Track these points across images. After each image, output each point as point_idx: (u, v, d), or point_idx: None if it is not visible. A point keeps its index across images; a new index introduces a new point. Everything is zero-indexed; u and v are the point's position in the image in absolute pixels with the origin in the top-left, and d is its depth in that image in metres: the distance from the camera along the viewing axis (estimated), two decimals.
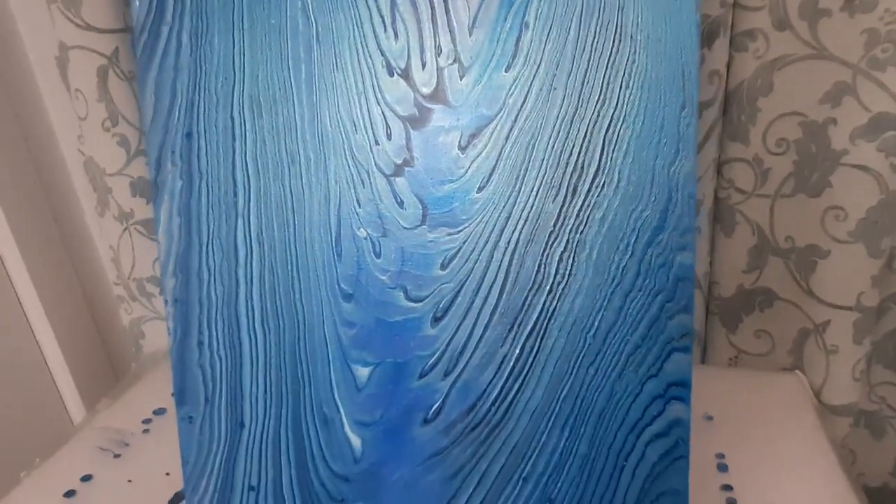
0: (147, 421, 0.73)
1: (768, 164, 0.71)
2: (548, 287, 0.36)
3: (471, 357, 0.37)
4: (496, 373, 0.37)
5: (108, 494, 0.62)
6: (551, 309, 0.36)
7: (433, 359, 0.38)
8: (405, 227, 0.37)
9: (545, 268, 0.35)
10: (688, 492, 0.36)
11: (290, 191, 0.37)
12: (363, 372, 0.39)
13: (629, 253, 0.34)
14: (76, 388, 0.94)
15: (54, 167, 0.90)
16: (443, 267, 0.37)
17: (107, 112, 0.80)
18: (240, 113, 0.37)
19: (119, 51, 0.78)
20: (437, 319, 0.37)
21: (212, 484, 0.42)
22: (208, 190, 0.38)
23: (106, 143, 0.82)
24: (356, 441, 0.40)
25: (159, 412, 0.75)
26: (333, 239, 0.37)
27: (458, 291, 0.37)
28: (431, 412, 0.38)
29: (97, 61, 0.77)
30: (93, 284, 0.96)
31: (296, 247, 0.38)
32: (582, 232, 0.35)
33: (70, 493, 0.62)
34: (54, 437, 0.72)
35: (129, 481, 0.64)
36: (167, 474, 0.64)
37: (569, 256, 0.35)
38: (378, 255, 0.37)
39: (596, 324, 0.35)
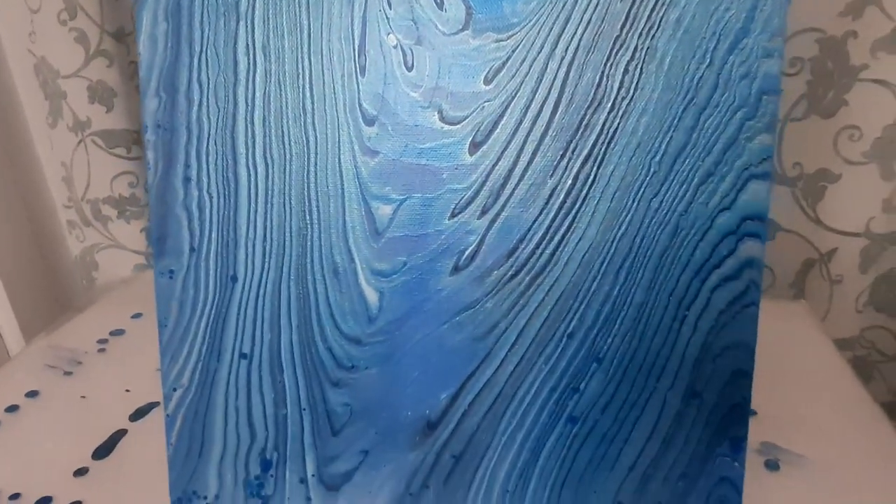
0: (103, 341, 0.65)
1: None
2: (609, 104, 0.31)
3: (514, 190, 0.32)
4: (543, 209, 0.32)
5: (57, 410, 0.54)
6: (612, 129, 0.31)
7: (469, 193, 0.32)
8: (444, 33, 0.31)
9: (608, 80, 0.31)
10: (755, 345, 0.32)
11: None
12: (385, 210, 0.33)
13: (707, 62, 0.30)
14: (17, 324, 0.85)
15: None
16: (487, 81, 0.31)
17: (63, 2, 0.71)
18: None
19: None
20: (476, 145, 0.32)
21: (195, 352, 0.36)
22: None
23: (61, 39, 0.73)
24: (372, 295, 0.34)
25: (117, 332, 0.67)
26: (356, 48, 0.32)
27: (504, 111, 0.31)
28: (464, 258, 0.33)
29: None
30: (39, 208, 0.86)
31: (309, 58, 0.32)
32: (653, 37, 0.30)
33: (12, 409, 0.54)
34: None
35: (83, 397, 0.56)
36: (127, 391, 0.57)
37: (636, 67, 0.30)
38: (410, 68, 0.32)
39: (663, 147, 0.31)
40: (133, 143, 0.79)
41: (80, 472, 0.47)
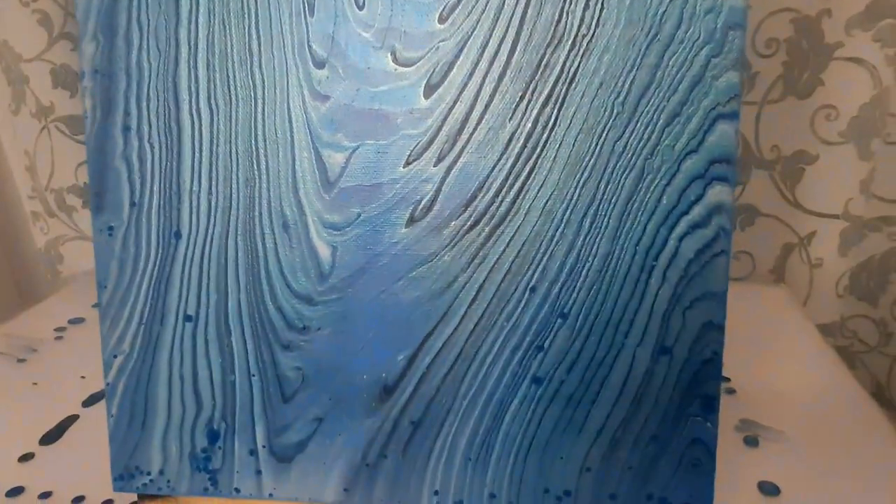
0: (61, 329, 0.63)
1: (756, 68, 0.67)
2: (570, 41, 0.29)
3: (472, 135, 0.30)
4: (503, 154, 0.30)
5: (7, 397, 0.52)
6: (573, 69, 0.29)
7: (424, 139, 0.31)
8: None
9: (568, 17, 0.29)
10: (726, 296, 0.30)
11: None
12: (336, 159, 0.31)
13: None
14: None
15: None
16: (441, 19, 0.30)
17: None
18: None
19: None
20: (431, 88, 0.30)
21: (136, 315, 0.33)
22: None
23: (24, 21, 0.71)
24: (324, 250, 0.32)
25: (76, 321, 0.64)
26: None
27: (460, 51, 0.30)
28: (420, 208, 0.31)
29: None
30: (2, 200, 0.84)
31: None
32: None
33: None
34: None
35: (35, 384, 0.54)
36: (83, 377, 0.54)
37: (597, 2, 0.29)
38: (361, 6, 0.30)
39: (626, 87, 0.29)
40: None
41: (26, 458, 0.45)
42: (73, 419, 0.49)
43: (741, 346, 0.54)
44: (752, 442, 0.45)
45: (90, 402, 0.51)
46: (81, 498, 0.41)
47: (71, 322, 0.64)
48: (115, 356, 0.34)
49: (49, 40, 0.71)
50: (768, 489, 0.41)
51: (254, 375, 0.33)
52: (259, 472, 0.34)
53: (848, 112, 0.64)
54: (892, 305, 0.74)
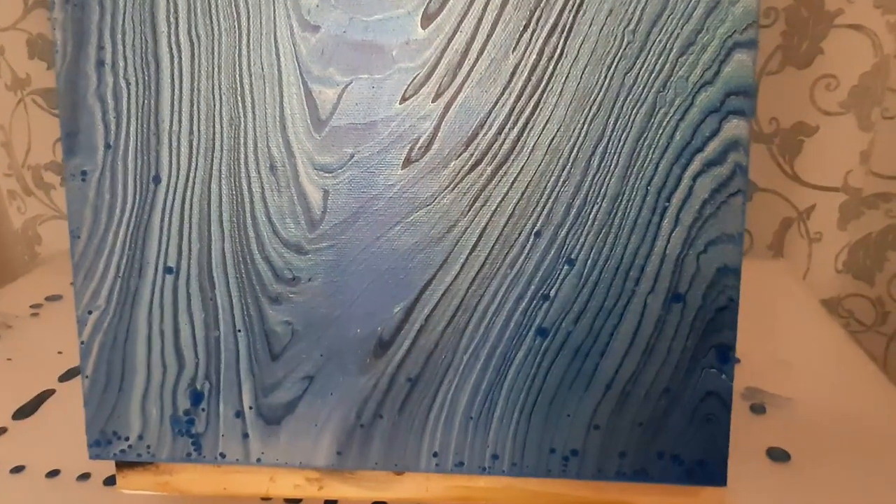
0: (37, 306, 0.60)
1: None
2: None
3: (472, 68, 0.28)
4: (505, 88, 0.28)
5: None
6: None
7: (422, 73, 0.29)
8: None
9: None
10: (743, 238, 0.29)
11: None
12: (328, 95, 0.29)
13: None
14: None
15: None
16: None
17: None
18: None
19: None
20: (429, 17, 0.28)
21: (112, 267, 0.31)
22: None
23: None
24: (315, 194, 0.30)
25: (54, 298, 0.61)
26: None
27: None
28: (418, 147, 0.29)
29: None
30: None
31: None
32: None
33: None
34: None
35: (9, 359, 0.51)
36: (59, 353, 0.52)
37: None
38: None
39: (637, 13, 0.27)
40: None
41: None
42: (49, 393, 0.46)
43: (743, 318, 0.52)
44: (758, 409, 0.44)
45: (67, 376, 0.49)
46: (56, 472, 0.38)
47: (48, 299, 0.61)
48: (90, 312, 0.31)
49: (25, 9, 0.68)
50: (777, 455, 0.39)
51: (240, 331, 0.31)
52: (246, 436, 0.32)
53: (848, 81, 0.63)
54: (889, 284, 0.73)
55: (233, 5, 0.29)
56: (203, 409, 0.32)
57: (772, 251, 0.73)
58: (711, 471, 0.30)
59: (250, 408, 0.32)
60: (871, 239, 0.72)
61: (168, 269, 0.31)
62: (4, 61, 0.71)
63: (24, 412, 0.45)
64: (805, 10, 0.63)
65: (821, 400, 0.45)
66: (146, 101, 0.30)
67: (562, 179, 0.29)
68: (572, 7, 0.28)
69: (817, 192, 0.68)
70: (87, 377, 0.32)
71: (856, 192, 0.67)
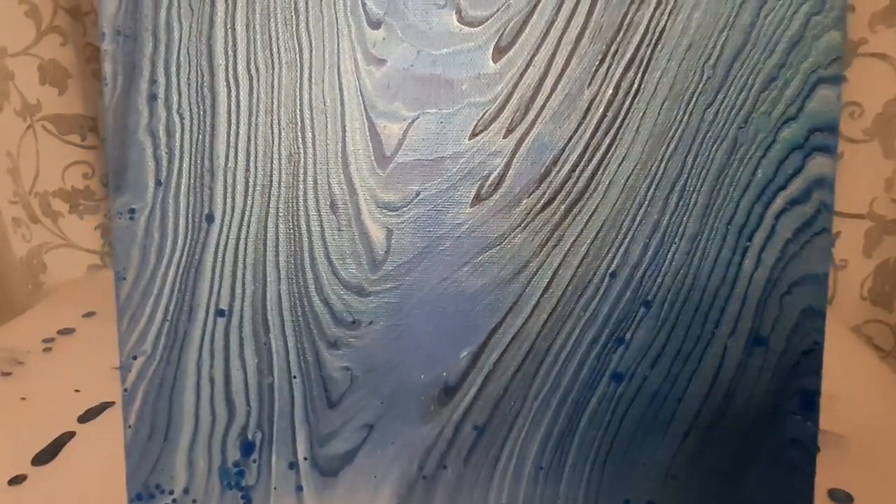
0: (48, 340, 0.58)
1: None
2: None
3: (546, 103, 0.27)
4: (580, 124, 0.27)
5: None
6: (659, 29, 0.27)
7: (493, 108, 0.27)
8: None
9: None
10: (828, 278, 0.28)
11: None
12: (393, 130, 0.28)
13: None
14: None
15: None
16: None
17: None
18: None
19: None
20: (500, 50, 0.27)
21: (160, 310, 0.29)
22: None
23: (10, 13, 0.67)
24: (378, 233, 0.28)
25: (66, 332, 0.59)
26: None
27: (534, 8, 0.27)
28: (488, 185, 0.28)
29: None
30: None
31: None
32: None
33: None
34: None
35: (23, 399, 0.49)
36: (77, 391, 0.49)
37: None
38: None
39: (718, 48, 0.27)
40: (88, 129, 0.72)
41: (16, 481, 0.40)
42: (68, 436, 0.44)
43: None
44: None
45: (86, 417, 0.46)
46: None
47: (60, 333, 0.59)
48: (135, 357, 0.30)
49: (37, 34, 0.67)
50: (840, 497, 0.38)
51: (295, 377, 0.29)
52: (300, 489, 0.30)
53: (873, 109, 0.63)
54: None
55: (294, 38, 0.28)
56: (254, 461, 0.30)
57: None
58: None
59: (305, 458, 0.30)
60: (890, 264, 0.71)
61: (220, 312, 0.29)
62: (14, 87, 0.69)
63: (43, 457, 0.42)
64: None
65: (873, 436, 0.43)
66: (201, 137, 0.28)
67: (638, 218, 0.28)
68: (650, 41, 0.27)
69: (842, 219, 0.67)
70: (129, 426, 0.30)
71: (881, 220, 0.66)
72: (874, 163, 0.65)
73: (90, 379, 0.51)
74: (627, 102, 0.27)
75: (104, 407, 0.47)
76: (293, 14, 0.28)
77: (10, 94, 0.69)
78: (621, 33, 0.27)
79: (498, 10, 0.27)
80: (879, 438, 0.43)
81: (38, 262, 0.77)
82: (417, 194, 0.28)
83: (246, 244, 0.29)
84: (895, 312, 0.74)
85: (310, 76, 0.28)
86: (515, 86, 0.27)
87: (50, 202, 0.73)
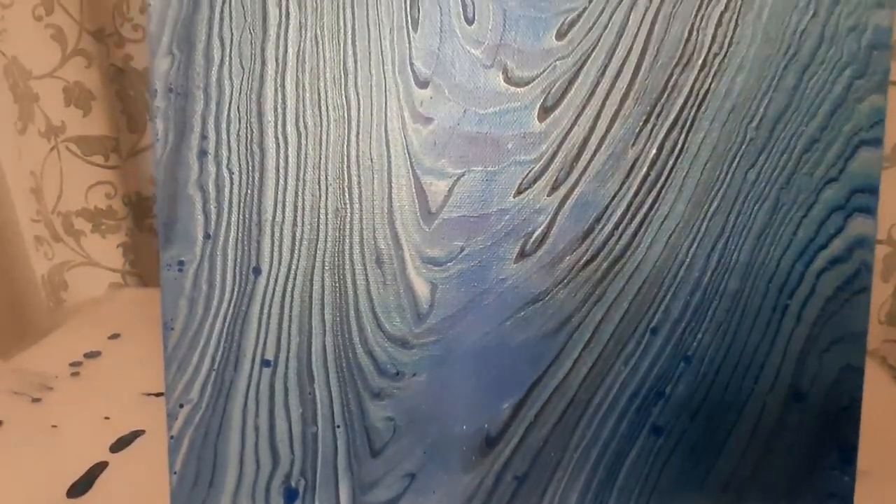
0: (76, 364, 0.58)
1: None
2: (700, 61, 0.27)
3: (590, 162, 0.28)
4: (623, 183, 0.28)
5: (25, 442, 0.47)
6: (703, 91, 0.27)
7: (538, 166, 0.28)
8: None
9: (698, 34, 0.27)
10: (866, 337, 0.28)
11: None
12: (439, 187, 0.28)
13: (811, 13, 0.26)
14: None
15: None
16: (559, 36, 0.27)
17: None
18: None
19: None
20: (546, 110, 0.28)
21: (207, 359, 0.30)
22: None
23: (36, 36, 0.67)
24: (423, 287, 0.29)
25: (92, 355, 0.60)
26: None
27: (579, 70, 0.27)
28: (532, 242, 0.28)
29: None
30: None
31: (353, 9, 0.28)
32: None
33: None
34: None
35: (54, 427, 0.49)
36: (106, 418, 0.50)
37: (731, 18, 0.27)
38: (470, 21, 0.28)
39: (761, 110, 0.27)
40: (112, 150, 0.73)
41: None
42: (101, 467, 0.45)
43: None
44: None
45: (118, 446, 0.47)
46: None
47: (87, 356, 0.59)
48: (182, 405, 0.30)
49: (62, 57, 0.68)
50: None
51: (339, 426, 0.30)
52: None
53: (892, 136, 0.63)
54: None
55: (343, 96, 0.28)
56: None
57: None
58: None
59: None
60: None
61: (265, 363, 0.30)
62: (39, 109, 0.70)
63: (78, 489, 0.43)
64: None
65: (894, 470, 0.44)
66: (249, 191, 0.29)
67: (680, 276, 0.28)
68: (694, 103, 0.27)
69: None
70: (175, 472, 0.31)
71: None
72: (893, 189, 0.65)
73: (119, 406, 0.52)
74: (671, 162, 0.28)
75: (135, 436, 0.48)
76: (342, 73, 0.28)
77: (35, 115, 0.70)
78: (665, 95, 0.27)
79: (544, 70, 0.28)
80: None
81: (59, 280, 0.78)
82: (462, 250, 0.29)
83: (292, 297, 0.29)
84: None
85: (357, 133, 0.28)
86: (560, 145, 0.28)
87: (73, 221, 0.74)
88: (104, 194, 0.74)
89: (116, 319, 0.68)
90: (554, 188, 0.28)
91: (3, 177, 0.77)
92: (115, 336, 0.64)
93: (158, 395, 0.52)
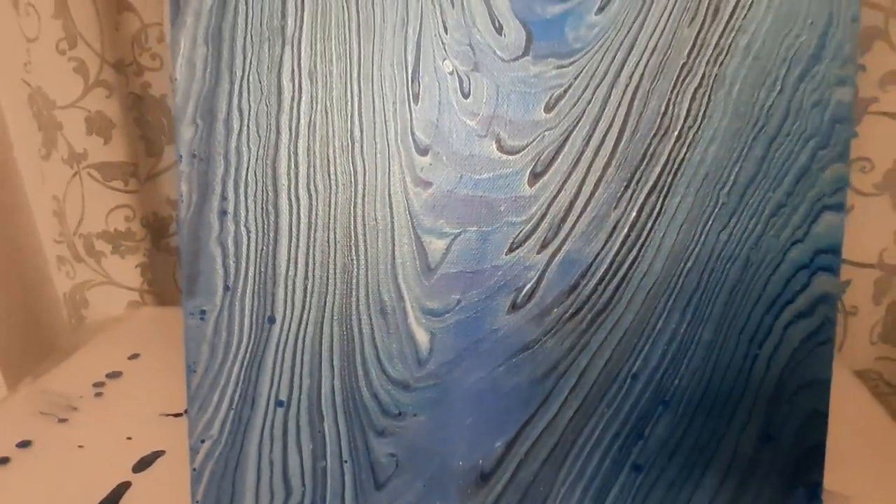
0: (99, 384, 0.61)
1: None
2: (676, 132, 0.30)
3: (576, 223, 0.30)
4: (606, 242, 0.30)
5: (53, 461, 0.50)
6: (679, 160, 0.30)
7: (528, 226, 0.31)
8: (502, 59, 0.30)
9: (674, 108, 0.29)
10: (830, 383, 0.30)
11: (357, 11, 0.30)
12: (437, 245, 0.31)
13: (777, 89, 0.29)
14: None
15: None
16: (547, 109, 0.30)
17: (63, 31, 0.69)
18: None
19: None
20: (536, 176, 0.30)
21: (226, 399, 0.33)
22: (248, 10, 0.30)
23: (59, 69, 0.71)
24: (423, 336, 0.32)
25: (114, 375, 0.63)
26: (409, 74, 0.30)
27: (566, 139, 0.30)
28: (522, 295, 0.31)
29: None
30: (23, 245, 0.82)
31: (359, 84, 0.30)
32: (722, 63, 0.29)
33: (3, 461, 0.50)
34: None
35: (80, 447, 0.52)
36: (129, 438, 0.53)
37: (704, 94, 0.29)
38: (466, 95, 0.30)
39: (732, 178, 0.30)
40: (131, 175, 0.76)
41: None
42: (125, 486, 0.48)
43: None
44: None
45: (140, 467, 0.50)
46: None
47: (109, 376, 0.62)
48: (203, 441, 0.33)
49: (85, 88, 0.71)
50: None
51: (346, 461, 0.33)
52: None
53: (883, 165, 0.65)
54: None
55: (350, 162, 0.31)
56: None
57: None
58: None
59: None
60: None
61: (279, 403, 0.33)
62: (62, 136, 0.73)
63: None
64: None
65: (880, 497, 0.46)
66: (265, 248, 0.32)
67: (658, 327, 0.31)
68: (670, 170, 0.30)
69: (853, 268, 0.70)
70: (196, 501, 0.34)
71: (891, 269, 0.69)
72: (884, 215, 0.67)
73: (140, 426, 0.55)
74: (649, 224, 0.30)
75: (156, 456, 0.51)
76: (349, 142, 0.31)
77: (58, 143, 0.73)
78: (644, 163, 0.30)
79: (534, 140, 0.30)
80: (886, 500, 0.45)
81: (80, 298, 0.81)
82: (459, 302, 0.31)
83: (304, 344, 0.32)
84: None
85: (363, 196, 0.31)
86: (549, 207, 0.30)
87: (94, 243, 0.77)
88: (124, 217, 0.77)
89: (136, 339, 0.71)
90: (543, 247, 0.31)
91: (27, 201, 0.80)
92: (134, 356, 0.67)
93: (176, 415, 0.56)
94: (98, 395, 0.60)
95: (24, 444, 0.52)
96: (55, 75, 0.71)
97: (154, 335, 0.72)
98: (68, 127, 0.73)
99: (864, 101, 0.65)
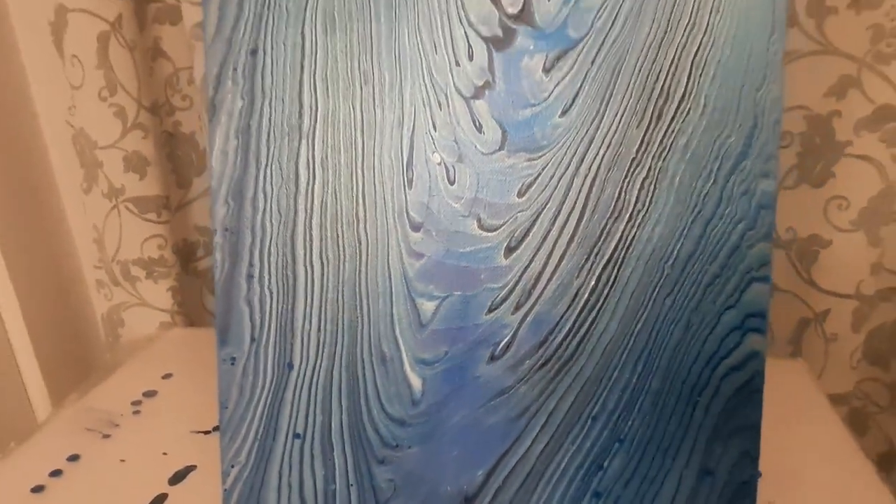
0: (136, 402, 0.68)
1: None
2: (627, 215, 0.35)
3: (544, 289, 0.36)
4: (570, 305, 0.36)
5: (99, 474, 0.57)
6: (630, 237, 0.35)
7: (504, 291, 0.36)
8: (482, 153, 0.36)
9: (626, 195, 0.35)
10: (760, 426, 0.36)
11: (361, 112, 0.36)
12: (428, 306, 0.37)
13: (711, 180, 0.34)
14: (44, 384, 0.88)
15: (32, 144, 0.85)
16: (520, 194, 0.36)
17: (105, 80, 0.76)
18: (311, 29, 0.36)
19: (122, 17, 0.75)
20: (510, 249, 0.36)
21: (252, 431, 0.39)
22: (271, 110, 0.36)
23: (100, 113, 0.78)
24: (416, 381, 0.38)
25: (149, 394, 0.70)
26: (405, 164, 0.36)
27: (535, 220, 0.36)
28: (499, 348, 0.37)
29: (99, 26, 0.74)
30: (66, 270, 0.90)
31: (363, 172, 0.36)
32: (665, 158, 0.34)
33: (56, 473, 0.57)
34: (16, 435, 0.65)
35: (122, 461, 0.59)
36: (164, 454, 0.60)
37: (650, 183, 0.35)
38: (452, 182, 0.36)
39: (675, 253, 0.35)
40: (163, 207, 0.83)
41: None
42: (162, 498, 0.54)
43: (765, 426, 0.58)
44: None
45: (175, 479, 0.56)
46: None
47: (145, 395, 0.69)
48: (233, 466, 0.39)
49: (123, 130, 0.78)
50: None
51: (352, 485, 0.39)
52: None
53: (858, 203, 0.70)
54: None
55: (355, 236, 0.37)
56: None
57: (791, 346, 0.79)
58: None
59: None
60: (887, 328, 0.77)
61: (296, 435, 0.39)
62: (103, 174, 0.80)
63: None
64: (818, 137, 0.70)
65: None
66: (284, 306, 0.38)
67: (614, 377, 0.36)
68: (624, 246, 0.35)
69: (832, 298, 0.74)
70: None
71: (868, 300, 0.73)
72: (860, 250, 0.71)
73: (174, 442, 0.61)
74: (606, 291, 0.36)
75: (188, 470, 0.58)
76: (354, 219, 0.37)
77: (99, 179, 0.81)
78: (601, 240, 0.35)
79: (509, 219, 0.36)
80: None
81: (117, 318, 0.89)
82: (446, 353, 0.37)
83: (317, 386, 0.38)
84: (892, 371, 0.80)
85: (366, 264, 0.37)
86: (521, 276, 0.36)
87: (129, 269, 0.85)
88: (157, 245, 0.84)
89: (168, 359, 0.78)
90: (517, 308, 0.36)
91: (70, 230, 0.88)
92: (167, 376, 0.74)
93: (206, 432, 0.62)
94: (136, 412, 0.67)
95: (74, 458, 0.59)
96: (97, 119, 0.78)
97: (185, 356, 0.79)
98: (108, 165, 0.80)
99: (840, 144, 0.70)
